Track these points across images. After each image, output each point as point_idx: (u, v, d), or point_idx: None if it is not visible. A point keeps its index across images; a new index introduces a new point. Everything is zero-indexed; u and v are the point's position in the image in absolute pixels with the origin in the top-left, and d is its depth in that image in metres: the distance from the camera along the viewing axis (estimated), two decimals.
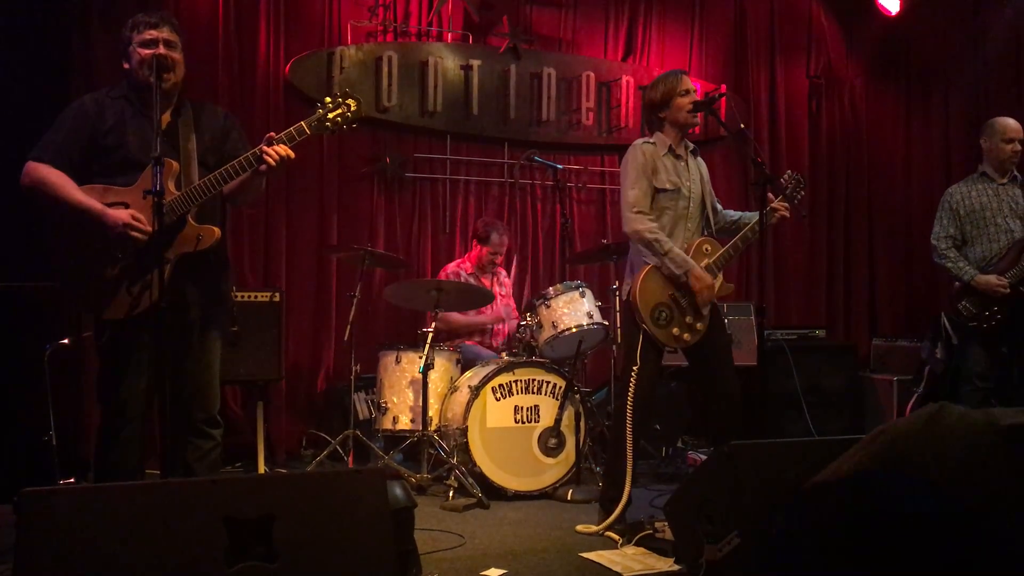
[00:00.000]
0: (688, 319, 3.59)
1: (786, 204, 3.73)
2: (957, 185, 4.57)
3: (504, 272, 5.52)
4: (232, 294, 3.25)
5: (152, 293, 2.78)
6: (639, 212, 3.55)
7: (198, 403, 2.97)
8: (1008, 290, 4.24)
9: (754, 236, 3.66)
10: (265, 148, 2.84)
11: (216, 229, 2.93)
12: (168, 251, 2.79)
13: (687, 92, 3.62)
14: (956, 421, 1.34)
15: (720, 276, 3.66)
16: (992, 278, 4.27)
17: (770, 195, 3.66)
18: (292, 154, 2.87)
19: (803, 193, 3.82)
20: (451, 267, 5.31)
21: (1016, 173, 4.51)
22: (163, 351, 2.73)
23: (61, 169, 2.84)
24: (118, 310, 2.85)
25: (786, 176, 3.81)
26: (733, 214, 3.89)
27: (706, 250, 3.65)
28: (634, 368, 3.55)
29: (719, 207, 3.89)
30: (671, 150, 3.65)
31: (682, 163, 3.67)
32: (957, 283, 4.41)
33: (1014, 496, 1.19)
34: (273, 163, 2.83)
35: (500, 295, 5.34)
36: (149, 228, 2.78)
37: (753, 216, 3.69)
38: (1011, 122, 4.49)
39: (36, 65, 4.65)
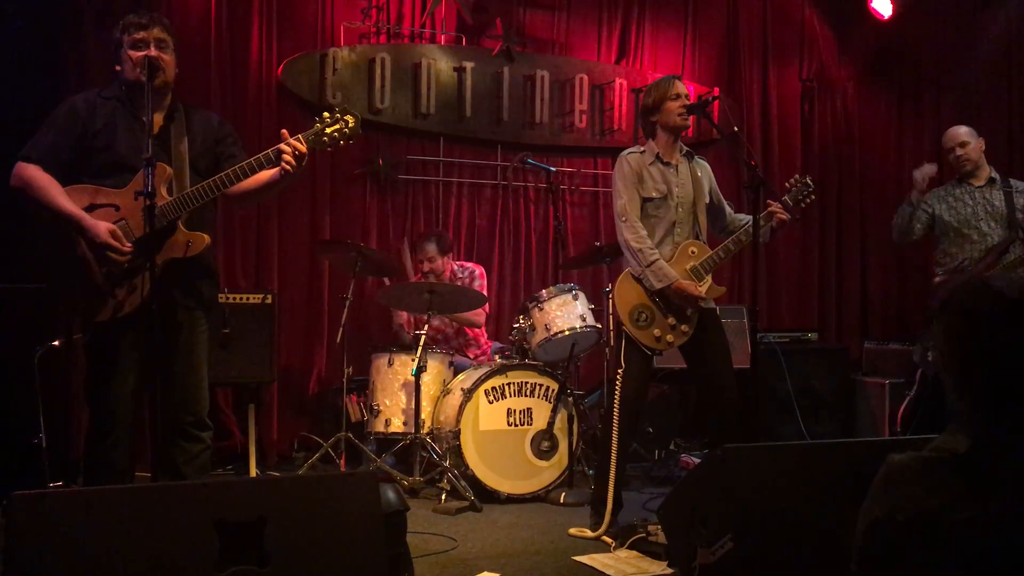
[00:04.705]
0: (671, 320, 3.60)
1: (782, 208, 3.63)
2: (935, 189, 4.64)
3: (468, 267, 5.29)
4: (220, 297, 3.23)
5: (137, 296, 2.77)
6: (626, 221, 3.63)
7: (186, 406, 2.95)
8: None
9: (747, 239, 3.58)
10: (283, 146, 2.81)
11: (206, 237, 2.91)
12: (156, 255, 2.77)
13: (678, 96, 3.64)
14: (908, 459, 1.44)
15: (709, 278, 3.66)
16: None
17: (770, 201, 3.65)
18: (305, 149, 2.85)
19: (812, 198, 3.71)
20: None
21: (995, 175, 4.52)
22: (152, 354, 2.72)
23: (49, 169, 2.82)
24: (104, 313, 2.83)
25: (793, 180, 3.74)
26: (742, 218, 3.84)
27: (692, 253, 3.65)
28: (619, 370, 3.62)
29: (728, 210, 3.87)
30: (659, 158, 3.67)
31: (671, 170, 3.68)
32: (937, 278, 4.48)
33: None
34: (290, 159, 2.80)
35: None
36: (127, 249, 2.78)
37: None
38: (951, 131, 4.61)
39: (29, 65, 4.62)
